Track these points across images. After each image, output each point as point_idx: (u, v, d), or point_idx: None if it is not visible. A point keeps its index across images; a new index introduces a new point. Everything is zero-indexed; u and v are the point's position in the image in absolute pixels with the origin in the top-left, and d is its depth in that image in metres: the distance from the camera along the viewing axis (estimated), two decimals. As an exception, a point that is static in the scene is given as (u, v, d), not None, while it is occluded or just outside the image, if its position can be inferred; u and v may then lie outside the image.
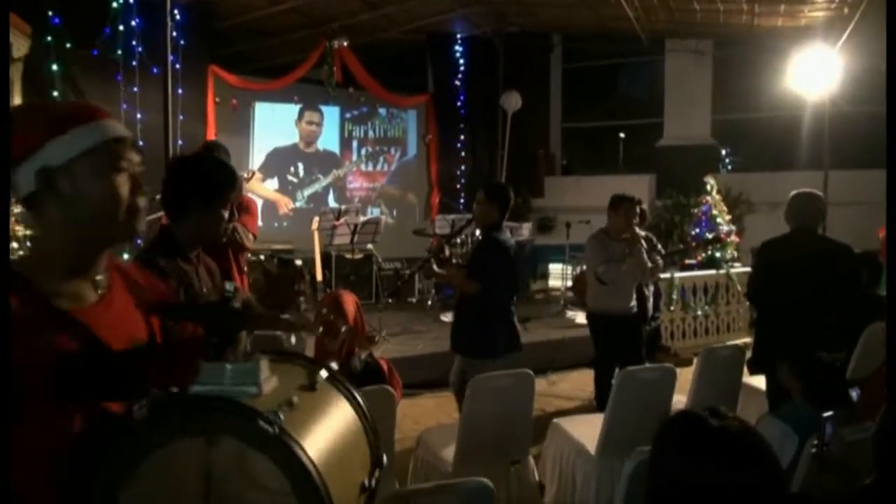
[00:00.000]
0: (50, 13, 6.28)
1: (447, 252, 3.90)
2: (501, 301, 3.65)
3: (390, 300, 7.72)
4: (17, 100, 6.19)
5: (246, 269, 3.56)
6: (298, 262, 7.09)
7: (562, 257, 8.94)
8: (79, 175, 1.08)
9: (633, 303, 4.39)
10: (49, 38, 6.25)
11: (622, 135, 10.62)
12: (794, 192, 3.57)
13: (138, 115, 6.99)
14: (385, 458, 1.16)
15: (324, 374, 1.13)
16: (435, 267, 3.83)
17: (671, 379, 3.11)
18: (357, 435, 1.11)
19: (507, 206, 3.77)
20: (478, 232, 4.14)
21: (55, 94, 6.37)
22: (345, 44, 8.54)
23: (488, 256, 3.64)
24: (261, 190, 9.10)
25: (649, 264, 4.29)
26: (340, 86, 8.99)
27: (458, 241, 7.07)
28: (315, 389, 1.07)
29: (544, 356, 6.05)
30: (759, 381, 3.69)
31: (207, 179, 2.02)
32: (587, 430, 3.13)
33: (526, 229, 8.12)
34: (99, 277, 1.15)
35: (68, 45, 6.44)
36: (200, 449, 0.91)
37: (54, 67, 6.33)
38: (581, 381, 5.62)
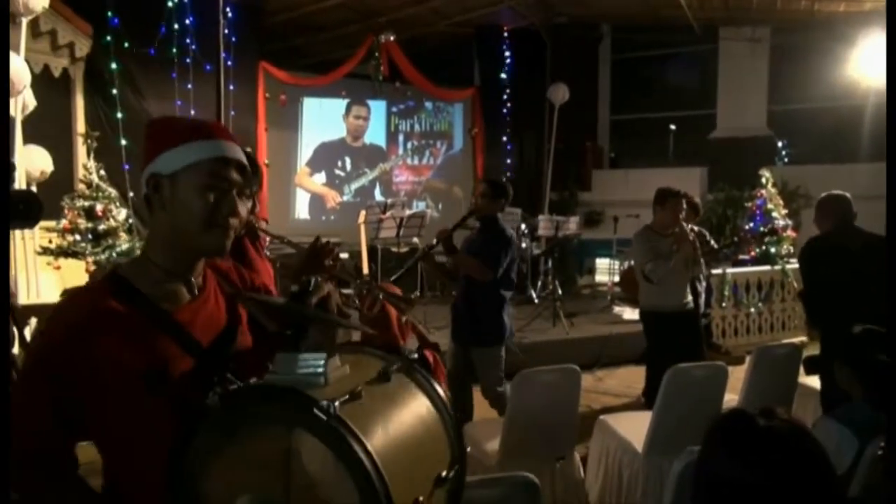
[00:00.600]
0: (110, 14, 6.51)
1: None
2: (509, 289, 3.90)
3: (438, 294, 7.77)
4: (78, 97, 6.45)
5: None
6: (334, 240, 7.16)
7: (609, 252, 8.81)
8: (180, 185, 1.16)
9: (689, 298, 4.27)
10: (108, 39, 6.48)
11: (673, 127, 10.37)
12: (822, 195, 3.55)
13: (192, 112, 7.19)
14: (469, 448, 1.15)
15: (399, 365, 1.13)
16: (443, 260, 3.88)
17: (722, 377, 3.04)
18: (433, 427, 1.09)
19: (509, 200, 4.05)
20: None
21: (114, 91, 6.60)
22: (391, 38, 8.58)
23: (501, 246, 3.80)
24: (308, 184, 9.26)
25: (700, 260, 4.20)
26: (387, 80, 9.05)
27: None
28: (388, 380, 1.07)
29: (591, 352, 5.98)
30: (817, 382, 3.57)
31: None
32: (634, 428, 3.08)
33: (573, 223, 8.01)
34: (195, 279, 1.23)
35: (126, 45, 6.67)
36: (282, 436, 0.94)
37: (113, 66, 6.56)
38: (629, 378, 5.53)
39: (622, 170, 10.82)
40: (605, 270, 9.27)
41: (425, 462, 1.04)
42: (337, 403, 0.92)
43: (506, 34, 9.91)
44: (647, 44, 10.55)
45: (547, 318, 6.68)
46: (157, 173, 1.16)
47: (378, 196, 9.52)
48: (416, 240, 7.67)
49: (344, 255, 8.14)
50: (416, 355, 2.80)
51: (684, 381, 2.93)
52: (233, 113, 7.05)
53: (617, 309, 7.58)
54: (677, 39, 9.98)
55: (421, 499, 0.98)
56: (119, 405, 1.11)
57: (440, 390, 1.14)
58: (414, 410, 1.08)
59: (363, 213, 7.41)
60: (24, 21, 4.65)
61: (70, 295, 1.31)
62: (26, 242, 5.30)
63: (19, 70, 4.34)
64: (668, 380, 2.90)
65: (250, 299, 1.24)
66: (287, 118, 8.96)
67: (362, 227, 7.40)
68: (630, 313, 7.26)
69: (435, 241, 3.89)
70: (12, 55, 4.37)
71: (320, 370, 1.00)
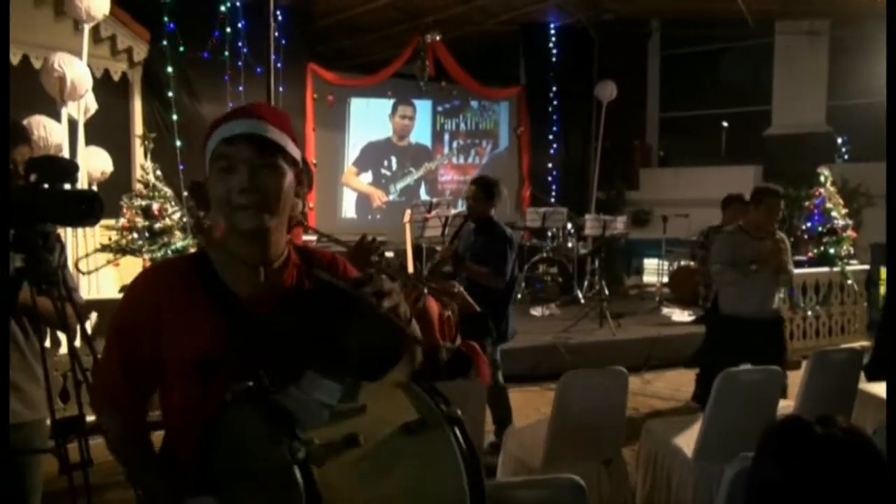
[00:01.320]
0: (166, 19, 6.73)
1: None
2: (512, 286, 3.96)
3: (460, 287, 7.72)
4: (136, 100, 6.69)
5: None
6: (380, 238, 7.23)
7: (658, 252, 8.63)
8: (209, 177, 1.20)
9: (775, 303, 4.03)
10: (164, 43, 6.70)
11: (725, 124, 10.09)
12: None
13: (243, 113, 7.35)
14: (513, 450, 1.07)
15: (438, 417, 0.94)
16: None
17: (777, 382, 2.94)
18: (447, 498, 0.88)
19: (501, 198, 4.01)
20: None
21: (170, 94, 6.82)
22: (437, 38, 8.61)
23: (506, 248, 3.80)
24: (355, 183, 9.37)
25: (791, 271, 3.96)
26: (433, 79, 9.08)
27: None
28: (414, 434, 0.89)
29: (638, 354, 5.87)
30: (879, 389, 3.41)
31: None
32: (684, 433, 3.01)
33: (620, 223, 7.88)
34: (268, 267, 1.21)
35: (181, 49, 6.88)
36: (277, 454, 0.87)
37: (169, 70, 6.77)
38: (677, 381, 5.41)
39: (672, 168, 10.58)
40: (654, 271, 9.09)
41: None
42: (301, 451, 0.79)
43: (552, 32, 9.81)
44: (698, 39, 10.28)
45: (593, 318, 6.60)
46: (209, 161, 1.21)
47: (423, 195, 9.55)
48: (461, 239, 7.67)
49: (389, 254, 8.21)
50: (452, 352, 2.80)
51: (736, 385, 2.85)
52: (282, 114, 7.18)
53: (666, 310, 7.42)
54: (730, 34, 9.68)
55: None
56: (175, 380, 1.18)
57: (475, 456, 0.93)
58: (433, 477, 0.87)
59: (408, 212, 7.46)
60: (87, 27, 4.84)
61: (152, 267, 1.43)
62: (87, 240, 5.52)
63: (81, 75, 4.52)
64: (720, 384, 2.82)
65: (318, 276, 1.15)
66: (334, 118, 9.08)
67: (407, 227, 7.44)
68: (679, 315, 7.10)
69: (438, 258, 3.90)
70: (75, 60, 4.56)
71: (330, 402, 0.89)
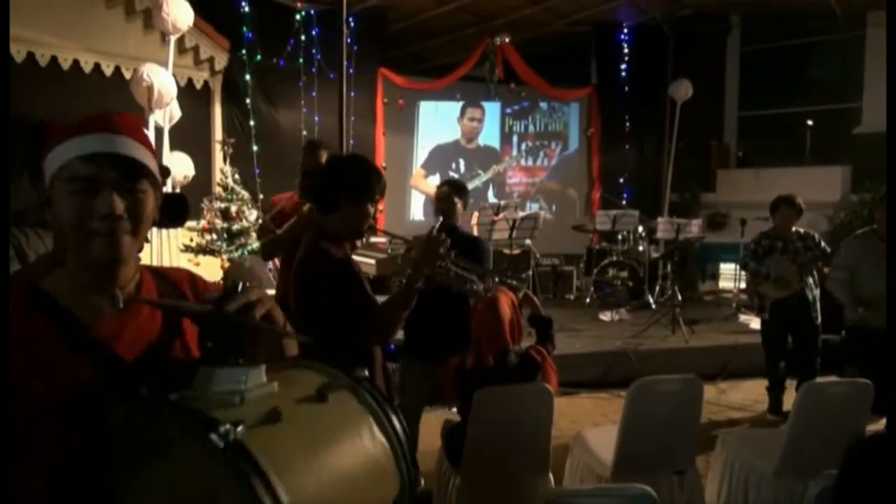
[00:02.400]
0: (245, 29, 7.02)
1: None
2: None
3: (550, 296, 7.68)
4: (218, 108, 7.00)
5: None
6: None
7: (735, 256, 8.27)
8: (55, 192, 1.03)
9: None
10: (243, 52, 6.98)
11: (810, 122, 9.58)
12: None
13: (316, 118, 7.59)
14: (422, 483, 0.96)
15: (345, 383, 0.96)
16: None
17: (866, 396, 2.76)
18: (377, 459, 0.92)
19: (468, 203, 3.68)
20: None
21: (248, 101, 7.11)
22: (507, 40, 8.59)
23: (489, 255, 3.49)
24: (424, 186, 9.46)
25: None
26: (502, 82, 9.07)
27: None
28: (325, 401, 0.90)
29: (713, 362, 5.66)
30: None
31: (358, 177, 2.18)
32: (762, 446, 2.87)
33: (695, 226, 7.62)
34: (121, 290, 1.07)
35: (259, 58, 7.16)
36: (167, 460, 0.82)
37: (247, 77, 7.05)
38: (755, 392, 5.18)
39: (751, 169, 10.13)
40: (731, 276, 8.73)
41: (356, 494, 0.88)
42: (240, 428, 0.77)
43: (625, 30, 9.61)
44: (782, 33, 9.81)
45: (665, 324, 6.40)
46: (48, 180, 1.03)
47: (491, 197, 9.55)
48: (528, 241, 7.62)
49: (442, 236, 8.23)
50: (520, 356, 2.76)
51: (822, 398, 2.70)
52: (353, 118, 7.35)
53: (743, 318, 7.11)
54: (816, 27, 9.19)
55: None
56: (29, 426, 0.97)
57: (391, 414, 0.95)
58: (352, 438, 0.91)
59: (476, 214, 7.47)
60: (173, 39, 5.10)
61: None
62: (171, 240, 5.81)
63: (167, 84, 4.76)
64: (804, 396, 2.69)
65: (159, 304, 1.10)
66: (403, 122, 9.21)
67: (475, 229, 7.45)
68: (757, 323, 6.79)
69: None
70: (162, 71, 4.81)
71: (239, 387, 0.86)
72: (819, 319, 4.60)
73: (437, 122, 9.52)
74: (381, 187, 2.23)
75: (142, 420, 0.85)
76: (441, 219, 3.24)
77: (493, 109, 9.75)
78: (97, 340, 1.03)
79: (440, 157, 9.54)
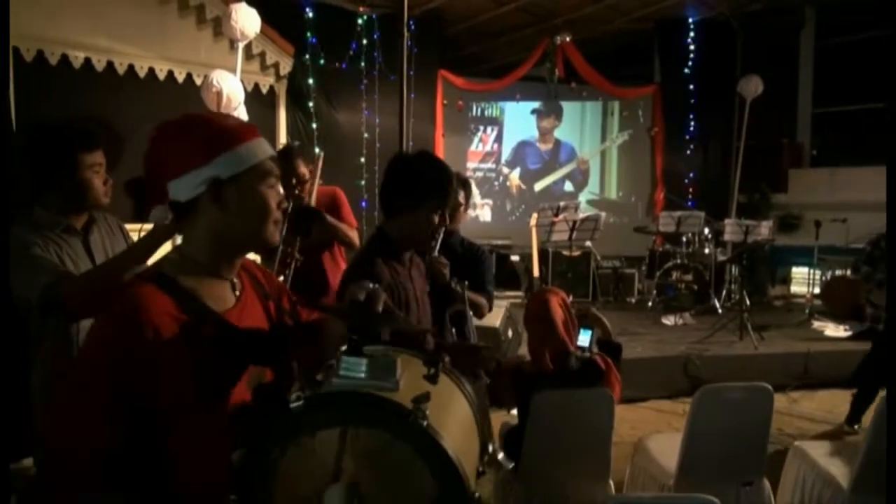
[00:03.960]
0: (309, 35, 7.19)
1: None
2: None
3: (611, 299, 7.54)
4: (281, 111, 7.19)
5: None
6: (503, 242, 7.75)
7: (808, 260, 7.93)
8: (244, 187, 1.17)
9: None
10: (306, 56, 7.15)
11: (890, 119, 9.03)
12: None
13: (377, 120, 7.70)
14: (490, 446, 1.15)
15: (439, 365, 1.13)
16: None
17: (956, 410, 2.58)
18: (471, 424, 1.13)
19: None
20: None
21: (311, 104, 7.27)
22: (567, 39, 8.48)
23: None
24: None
25: None
26: (562, 81, 8.97)
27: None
28: (436, 382, 1.08)
29: (784, 370, 5.43)
30: None
31: (417, 179, 1.95)
32: (838, 459, 2.73)
33: (765, 228, 7.32)
34: (235, 280, 1.24)
35: (322, 62, 7.32)
36: (335, 441, 0.96)
37: (310, 81, 7.22)
38: (829, 402, 4.94)
39: (826, 168, 9.65)
40: (803, 281, 8.35)
41: (471, 457, 1.07)
42: (427, 410, 0.94)
43: (691, 26, 9.33)
44: (860, 26, 9.30)
45: (732, 330, 6.17)
46: (217, 178, 1.14)
47: (569, 186, 9.64)
48: (588, 243, 7.50)
49: (515, 258, 8.20)
50: (582, 361, 2.71)
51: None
52: (412, 120, 7.42)
53: (817, 324, 6.79)
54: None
55: (477, 495, 0.99)
56: (177, 409, 1.07)
57: (468, 387, 1.15)
58: (459, 408, 1.12)
59: (535, 216, 7.41)
60: (241, 46, 5.27)
61: (121, 297, 1.14)
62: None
63: (235, 89, 4.91)
64: (884, 408, 2.53)
65: (324, 308, 1.30)
66: (462, 123, 9.25)
67: (534, 231, 7.39)
68: (834, 330, 6.47)
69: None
70: (230, 76, 4.97)
71: (391, 374, 1.00)
72: None
73: (508, 121, 9.57)
74: (450, 194, 1.96)
75: (318, 404, 0.97)
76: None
77: (554, 109, 9.70)
78: (228, 325, 1.16)
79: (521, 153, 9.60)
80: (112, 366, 1.06)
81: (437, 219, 1.97)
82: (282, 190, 1.24)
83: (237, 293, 1.23)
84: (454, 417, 1.07)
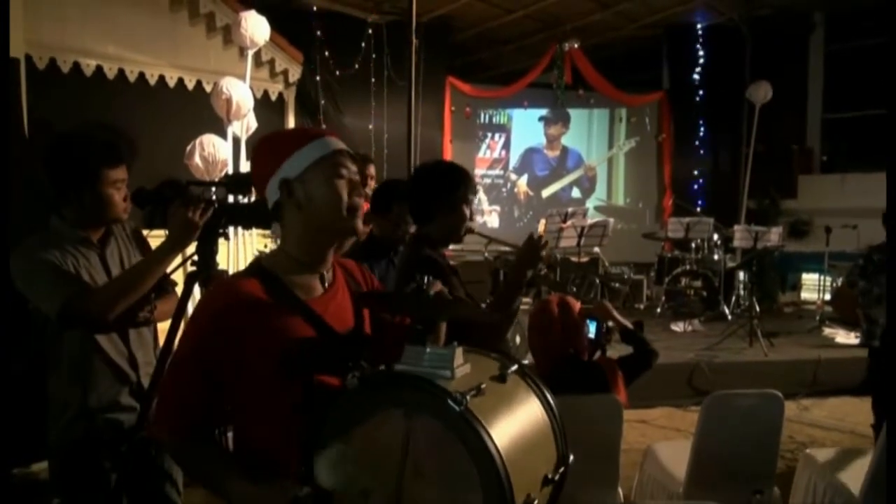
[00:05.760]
0: (317, 41, 7.23)
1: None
2: None
3: (620, 305, 7.49)
4: (290, 118, 7.22)
5: None
6: (510, 249, 7.36)
7: (819, 266, 7.87)
8: (309, 182, 1.28)
9: None
10: (315, 64, 7.19)
11: (902, 124, 8.97)
12: None
13: (385, 126, 7.73)
14: (571, 457, 1.17)
15: (514, 368, 1.18)
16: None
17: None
18: (543, 429, 1.14)
19: None
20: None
21: (319, 111, 7.30)
22: (576, 45, 8.49)
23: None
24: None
25: None
26: (570, 88, 8.97)
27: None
28: (505, 381, 1.12)
29: (794, 378, 5.39)
30: None
31: (447, 183, 2.13)
32: (849, 467, 2.71)
33: (775, 234, 7.26)
34: (326, 273, 1.34)
35: (330, 68, 7.36)
36: (401, 420, 1.01)
37: (319, 88, 7.26)
38: (840, 410, 4.89)
39: (837, 174, 9.59)
40: (814, 287, 8.29)
41: (536, 461, 1.08)
42: (468, 396, 0.96)
43: (699, 32, 9.32)
44: (871, 31, 9.26)
45: (742, 336, 6.13)
46: (287, 179, 1.27)
47: (576, 192, 9.66)
48: (597, 249, 7.48)
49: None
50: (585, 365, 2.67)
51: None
52: (420, 127, 7.44)
53: (828, 331, 6.74)
54: (909, 23, 8.63)
55: (532, 496, 1.00)
56: (257, 383, 1.22)
57: (549, 395, 1.18)
58: (528, 411, 1.13)
59: (543, 221, 7.39)
60: (250, 53, 5.30)
61: (217, 283, 1.40)
62: (246, 246, 6.02)
63: (244, 96, 4.95)
64: (896, 416, 2.50)
65: (373, 297, 1.36)
66: (470, 130, 9.27)
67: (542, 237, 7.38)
68: (844, 336, 6.41)
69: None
70: (240, 83, 5.01)
71: (448, 364, 1.06)
72: None
73: (515, 128, 9.59)
74: (472, 187, 2.20)
75: (372, 386, 1.06)
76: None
77: (561, 116, 9.70)
78: (314, 313, 1.27)
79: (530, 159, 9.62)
80: (202, 340, 1.23)
81: (468, 210, 2.18)
82: (357, 179, 1.30)
83: (326, 285, 1.33)
84: (517, 419, 1.09)
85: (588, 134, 9.87)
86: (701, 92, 9.37)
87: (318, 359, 1.23)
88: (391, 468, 1.00)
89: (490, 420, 0.98)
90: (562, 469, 1.15)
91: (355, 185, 1.30)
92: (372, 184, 3.51)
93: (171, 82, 5.75)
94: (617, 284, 2.52)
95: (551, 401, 1.18)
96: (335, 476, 1.06)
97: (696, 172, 9.46)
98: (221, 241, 1.98)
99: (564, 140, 9.74)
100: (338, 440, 1.06)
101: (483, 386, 1.03)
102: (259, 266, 1.32)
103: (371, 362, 1.16)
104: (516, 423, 1.08)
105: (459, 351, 1.10)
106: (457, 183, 2.15)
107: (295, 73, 6.91)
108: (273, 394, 1.22)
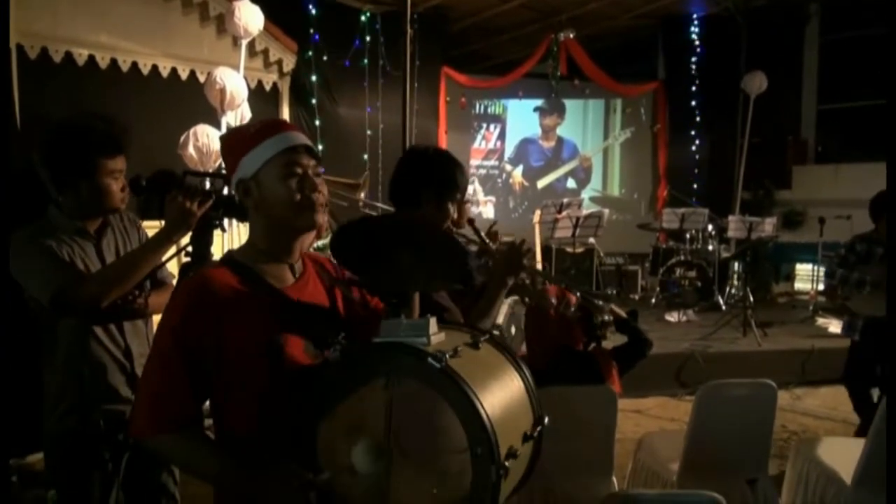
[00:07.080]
0: (312, 31, 7.18)
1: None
2: None
3: (613, 291, 7.54)
4: (285, 108, 7.19)
5: None
6: (507, 239, 7.36)
7: (812, 257, 7.91)
8: (262, 181, 1.31)
9: None
10: (310, 53, 7.14)
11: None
12: None
13: (380, 117, 7.70)
14: (546, 418, 1.21)
15: (486, 337, 1.24)
16: None
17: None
18: (519, 389, 1.20)
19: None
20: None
21: (314, 101, 7.26)
22: (571, 35, 8.46)
23: None
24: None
25: None
26: (565, 78, 8.95)
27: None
28: (478, 348, 1.18)
29: (788, 367, 5.43)
30: None
31: (442, 172, 1.95)
32: (841, 455, 2.73)
33: (769, 224, 7.30)
34: (295, 264, 1.39)
35: (325, 59, 7.31)
36: (383, 392, 1.04)
37: (314, 78, 7.21)
38: (833, 399, 4.93)
39: (831, 165, 9.61)
40: (807, 277, 8.34)
41: (515, 417, 1.13)
42: (447, 356, 1.01)
43: (695, 22, 9.30)
44: (866, 21, 9.26)
45: (736, 326, 6.17)
46: (243, 179, 1.32)
47: (572, 183, 9.67)
48: (592, 240, 7.49)
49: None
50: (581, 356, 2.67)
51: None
52: (416, 117, 7.41)
53: (821, 321, 6.78)
54: (904, 14, 8.63)
55: (515, 447, 1.04)
56: (237, 368, 1.25)
57: (521, 362, 1.24)
58: (503, 372, 1.19)
59: (538, 212, 7.40)
60: (244, 43, 5.27)
61: (193, 276, 1.39)
62: (241, 238, 6.00)
63: (238, 86, 4.92)
64: (887, 402, 2.53)
65: (347, 281, 1.41)
66: (465, 120, 9.25)
67: (537, 227, 7.38)
68: (837, 326, 6.45)
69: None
70: (234, 74, 4.97)
71: (424, 331, 1.11)
72: None
73: (508, 119, 9.56)
74: (465, 186, 2.01)
75: (353, 356, 1.12)
76: None
77: (553, 106, 9.69)
78: (290, 299, 1.31)
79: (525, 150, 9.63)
80: (181, 329, 1.24)
81: (453, 210, 1.97)
82: (312, 175, 1.32)
83: (296, 275, 1.38)
84: (494, 378, 1.14)
85: (583, 124, 9.86)
86: (696, 82, 9.37)
87: (298, 344, 1.27)
88: (376, 441, 1.04)
89: (469, 377, 1.02)
90: (539, 428, 1.20)
91: (308, 181, 1.31)
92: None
93: (165, 72, 5.70)
94: (600, 302, 2.49)
95: (524, 366, 1.23)
96: (324, 455, 1.09)
97: (690, 163, 9.47)
98: (217, 232, 1.97)
99: (560, 130, 9.74)
100: (324, 419, 1.09)
101: (459, 349, 1.08)
102: (230, 257, 1.36)
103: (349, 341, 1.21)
104: (494, 381, 1.13)
105: (433, 321, 1.14)
106: (452, 176, 1.95)
107: (289, 63, 6.87)
108: (253, 378, 1.25)
